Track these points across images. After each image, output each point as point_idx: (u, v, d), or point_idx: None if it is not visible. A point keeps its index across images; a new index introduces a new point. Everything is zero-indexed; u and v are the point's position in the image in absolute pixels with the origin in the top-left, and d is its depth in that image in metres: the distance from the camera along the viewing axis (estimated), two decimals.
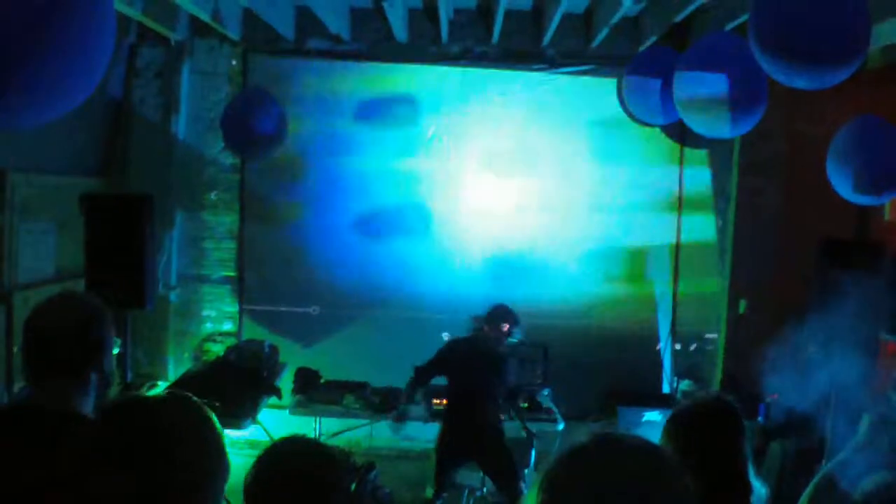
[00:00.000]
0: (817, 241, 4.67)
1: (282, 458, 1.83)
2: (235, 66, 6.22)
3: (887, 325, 4.72)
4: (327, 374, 5.59)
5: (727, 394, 2.13)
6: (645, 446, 1.04)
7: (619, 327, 6.32)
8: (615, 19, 5.32)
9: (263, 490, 1.76)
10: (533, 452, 4.79)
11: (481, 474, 4.77)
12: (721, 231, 6.31)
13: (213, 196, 6.29)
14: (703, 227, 6.38)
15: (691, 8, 4.90)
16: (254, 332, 6.22)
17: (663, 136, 6.26)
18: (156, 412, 1.37)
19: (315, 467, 1.80)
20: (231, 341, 6.21)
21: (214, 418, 1.42)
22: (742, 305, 6.13)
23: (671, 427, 2.00)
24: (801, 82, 3.32)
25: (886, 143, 4.08)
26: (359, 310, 6.29)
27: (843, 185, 4.20)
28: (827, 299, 4.48)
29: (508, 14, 5.67)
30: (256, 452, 1.78)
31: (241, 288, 6.34)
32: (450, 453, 4.67)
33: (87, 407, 1.87)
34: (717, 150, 6.25)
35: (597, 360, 6.23)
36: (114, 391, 2.01)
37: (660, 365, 6.37)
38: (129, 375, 5.03)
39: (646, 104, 5.53)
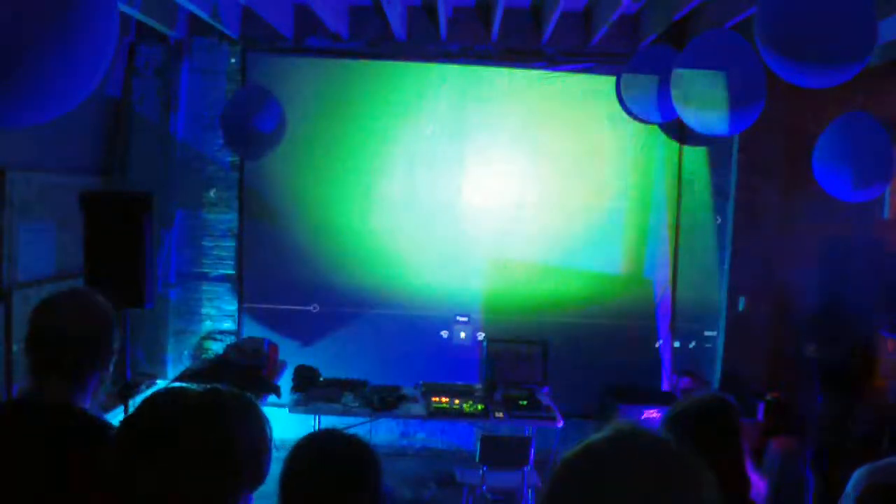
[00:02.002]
0: (816, 240, 4.69)
1: (318, 440, 1.87)
2: (234, 64, 6.22)
3: (886, 322, 4.73)
4: (326, 373, 5.59)
5: (726, 392, 2.14)
6: (664, 443, 1.02)
7: (619, 325, 6.33)
8: (614, 17, 5.32)
9: (304, 471, 1.78)
10: (532, 451, 4.80)
11: (481, 472, 4.77)
12: (720, 229, 6.31)
13: (212, 194, 6.30)
14: (702, 225, 6.38)
15: (690, 6, 4.90)
16: (253, 330, 6.22)
17: (662, 133, 6.27)
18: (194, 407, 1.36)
19: (353, 448, 1.84)
20: (230, 339, 6.22)
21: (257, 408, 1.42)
22: (741, 303, 6.13)
23: (668, 427, 2.00)
24: (807, 80, 3.32)
25: (872, 136, 4.10)
26: (358, 308, 6.30)
27: (831, 183, 4.21)
28: (826, 298, 4.50)
29: (507, 12, 5.67)
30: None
31: (241, 286, 6.34)
32: None
33: (85, 404, 1.87)
34: (715, 147, 6.25)
35: (596, 357, 6.24)
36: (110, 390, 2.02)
37: (659, 362, 6.38)
38: (129, 374, 5.03)
39: (645, 102, 5.53)
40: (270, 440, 1.41)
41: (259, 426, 1.40)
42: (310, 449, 1.83)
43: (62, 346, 1.83)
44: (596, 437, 1.02)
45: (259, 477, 1.38)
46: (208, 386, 1.40)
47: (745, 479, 1.95)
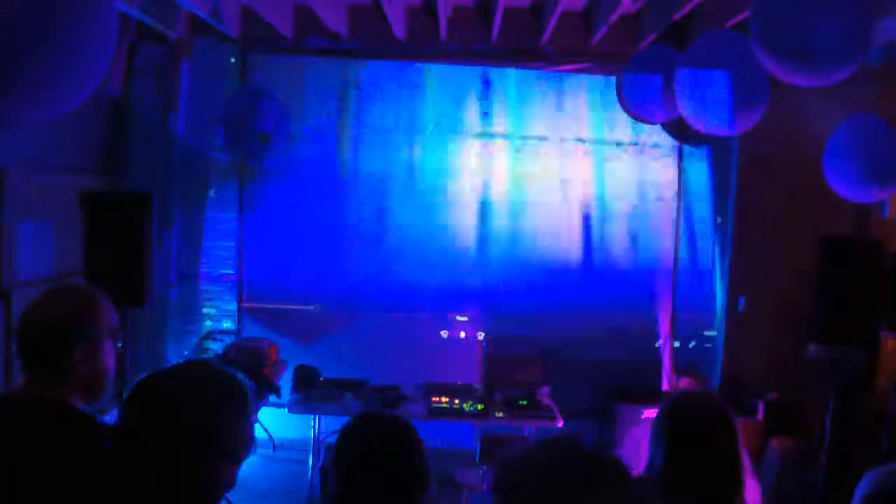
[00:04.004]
0: (817, 239, 4.66)
1: (367, 416, 2.02)
2: (234, 64, 6.22)
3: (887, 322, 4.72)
4: (326, 373, 5.59)
5: (726, 392, 2.13)
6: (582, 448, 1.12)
7: (619, 325, 6.33)
8: (614, 17, 5.32)
9: (359, 443, 1.92)
10: None
11: (481, 472, 4.77)
12: (721, 228, 6.31)
13: (212, 194, 6.29)
14: (702, 224, 6.38)
15: (691, 6, 4.90)
16: (253, 330, 6.23)
17: (663, 133, 6.26)
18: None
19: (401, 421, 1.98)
20: (230, 339, 6.22)
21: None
22: (741, 303, 6.13)
23: (661, 424, 1.99)
24: (802, 79, 3.32)
25: (883, 137, 4.09)
26: (358, 308, 6.30)
27: (841, 183, 4.20)
28: (827, 298, 4.49)
29: (507, 12, 5.67)
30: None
31: (241, 286, 6.34)
32: None
33: (74, 398, 1.87)
34: (717, 147, 6.25)
35: (596, 357, 6.24)
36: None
37: (659, 362, 6.38)
38: (129, 374, 5.03)
39: (645, 102, 5.52)
40: (249, 411, 1.58)
41: (241, 398, 1.56)
42: (365, 415, 2.00)
43: (37, 341, 1.86)
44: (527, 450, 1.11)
45: (244, 448, 1.55)
46: (197, 359, 1.56)
47: (739, 477, 1.93)
